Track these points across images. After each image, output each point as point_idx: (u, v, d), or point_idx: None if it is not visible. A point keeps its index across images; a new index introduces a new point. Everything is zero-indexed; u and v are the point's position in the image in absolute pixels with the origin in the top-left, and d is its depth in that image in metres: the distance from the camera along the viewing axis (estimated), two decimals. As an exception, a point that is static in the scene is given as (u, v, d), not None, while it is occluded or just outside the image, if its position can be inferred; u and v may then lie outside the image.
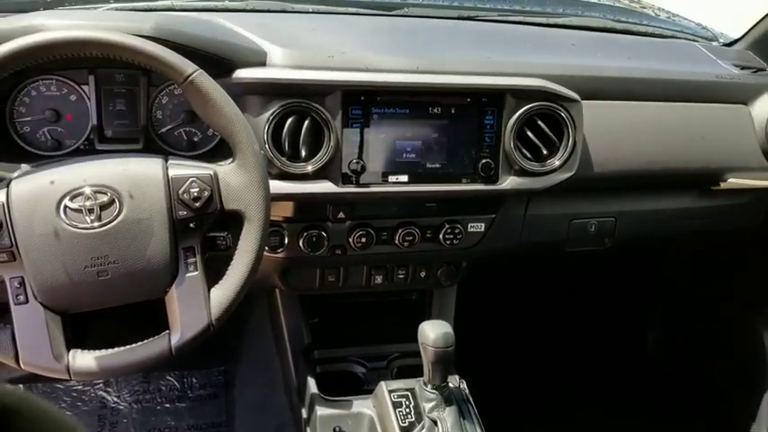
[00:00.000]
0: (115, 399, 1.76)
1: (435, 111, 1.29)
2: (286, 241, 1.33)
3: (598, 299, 2.08)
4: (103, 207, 1.00)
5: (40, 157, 1.26)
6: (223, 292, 1.06)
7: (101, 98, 1.27)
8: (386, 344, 1.55)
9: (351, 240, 1.35)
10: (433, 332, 1.22)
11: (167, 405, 1.78)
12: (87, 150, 1.29)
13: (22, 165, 1.19)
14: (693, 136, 1.48)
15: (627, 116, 1.44)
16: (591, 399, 1.99)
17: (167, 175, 1.04)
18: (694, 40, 1.76)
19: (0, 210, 0.98)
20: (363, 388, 1.50)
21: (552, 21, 1.73)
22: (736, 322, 1.80)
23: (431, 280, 1.50)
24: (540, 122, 1.32)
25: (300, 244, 1.33)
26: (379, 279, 1.46)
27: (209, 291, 1.06)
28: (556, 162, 1.33)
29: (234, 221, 1.09)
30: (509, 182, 1.33)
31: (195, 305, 1.05)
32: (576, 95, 1.33)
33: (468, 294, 1.62)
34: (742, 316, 1.78)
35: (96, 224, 0.99)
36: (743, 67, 1.57)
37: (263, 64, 1.25)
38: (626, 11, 1.98)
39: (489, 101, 1.30)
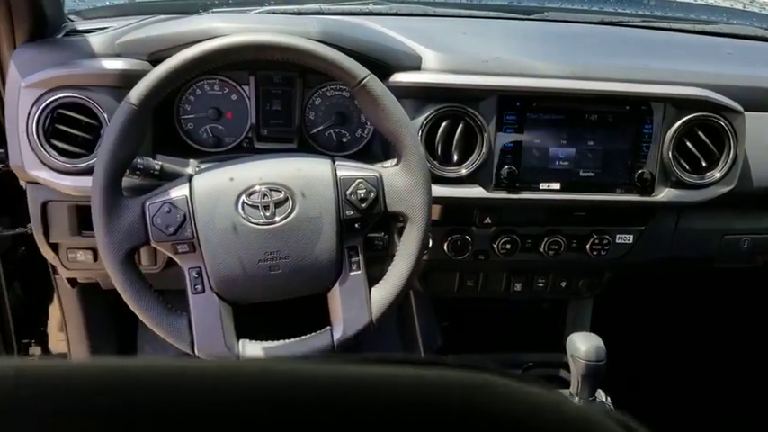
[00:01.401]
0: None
1: (592, 118, 1.26)
2: (431, 244, 1.34)
3: (745, 318, 1.98)
4: (278, 204, 1.04)
5: (201, 153, 1.32)
6: (384, 293, 1.08)
7: (259, 99, 1.32)
8: (521, 352, 1.53)
9: (495, 246, 1.35)
10: (585, 345, 1.20)
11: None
12: (246, 148, 1.34)
13: (190, 160, 1.25)
14: None
15: (790, 129, 1.37)
16: (737, 418, 1.90)
17: (336, 176, 1.06)
18: None
19: (183, 203, 1.03)
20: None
21: (699, 28, 1.66)
22: None
23: (571, 290, 1.47)
24: (700, 133, 1.27)
25: (445, 248, 1.34)
26: (518, 286, 1.45)
27: (369, 290, 1.08)
28: (716, 175, 1.28)
29: (390, 222, 1.11)
30: (665, 194, 1.29)
31: (357, 303, 1.07)
32: (739, 107, 1.28)
33: (605, 306, 1.57)
34: None
35: (271, 220, 1.03)
36: None
37: (418, 68, 1.26)
38: (775, 18, 1.87)
39: (648, 109, 1.27)
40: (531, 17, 1.66)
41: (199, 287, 1.04)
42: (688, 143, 1.28)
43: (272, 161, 1.08)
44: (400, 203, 1.07)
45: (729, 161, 1.28)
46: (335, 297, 1.07)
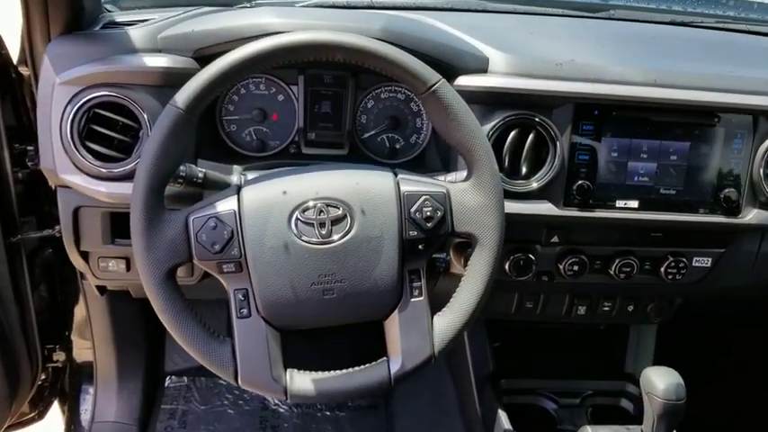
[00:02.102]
0: (276, 401, 1.73)
1: (676, 131, 1.15)
2: None
3: None
4: (335, 222, 0.93)
5: (244, 158, 1.22)
6: (448, 322, 0.97)
7: (308, 100, 1.22)
8: (578, 379, 1.42)
9: (561, 267, 1.23)
10: (663, 382, 1.08)
11: (327, 413, 1.72)
12: (293, 153, 1.24)
13: (233, 166, 1.15)
14: None
15: None
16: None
17: (399, 191, 0.96)
18: None
19: (231, 218, 0.93)
20: (557, 427, 1.37)
21: (778, 31, 1.53)
22: None
23: (638, 315, 1.36)
24: None
25: (506, 267, 1.22)
26: (582, 310, 1.34)
27: (432, 318, 0.97)
28: None
29: (450, 240, 1.00)
30: (753, 215, 1.17)
31: (418, 333, 0.96)
32: None
33: (671, 332, 1.45)
34: None
35: (326, 240, 0.93)
36: None
37: (485, 71, 1.15)
38: None
39: (738, 122, 1.14)
40: (596, 15, 1.54)
41: (245, 311, 0.94)
42: (781, 160, 1.15)
43: (329, 173, 0.97)
44: (470, 224, 0.96)
45: None
46: (394, 325, 0.96)
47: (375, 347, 1.01)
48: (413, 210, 0.95)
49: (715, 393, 1.68)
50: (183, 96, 0.91)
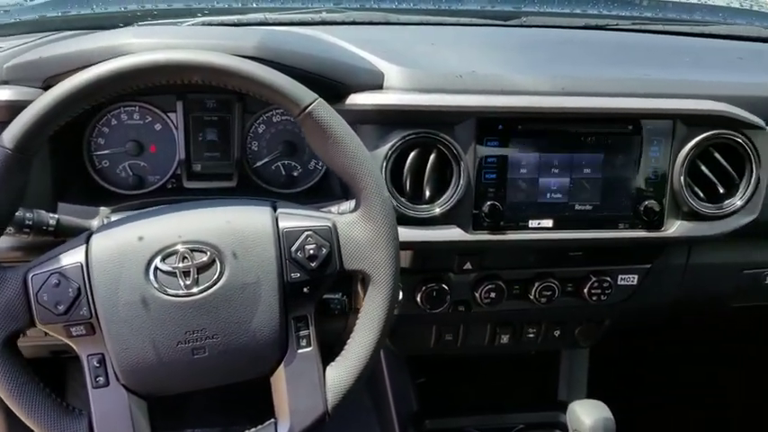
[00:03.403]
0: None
1: (588, 141, 1.06)
2: (401, 296, 1.12)
3: (761, 361, 1.79)
4: (201, 269, 0.81)
5: (120, 197, 1.09)
6: (342, 373, 0.86)
7: (189, 128, 1.10)
8: (508, 412, 1.31)
9: (477, 295, 1.14)
10: (590, 417, 1.00)
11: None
12: (174, 189, 1.11)
13: (101, 207, 1.02)
14: None
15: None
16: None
17: (278, 229, 0.84)
18: None
19: (77, 272, 0.80)
20: (488, 469, 1.27)
21: (698, 30, 1.48)
22: None
23: (565, 340, 1.27)
24: (717, 155, 1.08)
25: (418, 299, 1.12)
26: (505, 339, 1.24)
27: (324, 370, 0.86)
28: (737, 202, 1.09)
29: (349, 279, 0.89)
30: (677, 227, 1.09)
31: (308, 389, 0.85)
32: (761, 122, 1.08)
33: (604, 354, 1.37)
34: None
35: (193, 290, 0.81)
36: None
37: (379, 87, 1.04)
38: (774, 17, 1.69)
39: (655, 129, 1.07)
40: (508, 23, 1.45)
41: (101, 379, 0.81)
42: (702, 167, 1.08)
43: (195, 212, 0.85)
44: (360, 260, 0.85)
45: (752, 186, 1.09)
46: (280, 382, 0.85)
47: (267, 404, 0.89)
48: (294, 248, 0.84)
49: (654, 413, 1.62)
50: (10, 133, 0.78)
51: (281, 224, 0.84)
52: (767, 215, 1.13)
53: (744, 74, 1.21)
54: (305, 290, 0.84)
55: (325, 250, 0.84)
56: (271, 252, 0.83)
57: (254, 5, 1.46)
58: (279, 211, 0.87)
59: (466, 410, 1.32)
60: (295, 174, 1.15)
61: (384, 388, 1.31)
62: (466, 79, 1.06)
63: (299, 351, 0.85)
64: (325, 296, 0.93)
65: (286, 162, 1.14)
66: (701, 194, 1.09)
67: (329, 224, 0.85)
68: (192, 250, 0.81)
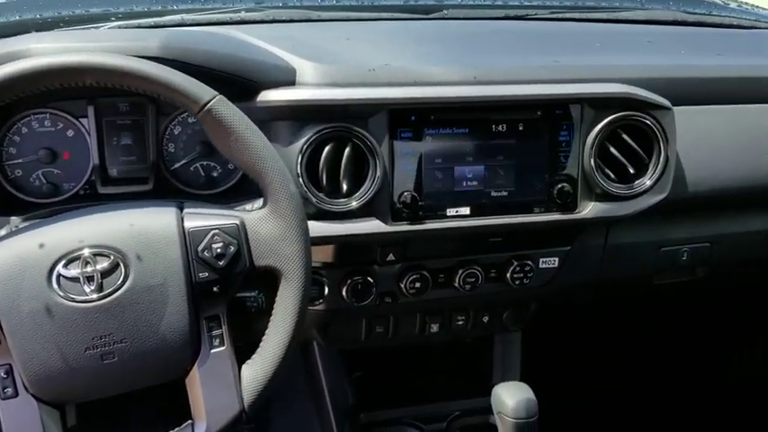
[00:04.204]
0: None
1: (500, 128, 1.08)
2: (326, 291, 1.13)
3: (687, 337, 1.84)
4: (105, 274, 0.80)
5: (34, 206, 1.07)
6: (258, 370, 0.86)
7: (102, 132, 1.08)
8: (443, 401, 1.33)
9: (403, 286, 1.14)
10: (512, 399, 1.01)
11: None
12: (89, 195, 1.09)
13: (12, 218, 1.00)
14: (800, 142, 1.25)
15: (722, 123, 1.22)
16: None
17: (183, 229, 0.84)
18: (777, 29, 1.53)
19: None
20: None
21: (613, 16, 1.51)
22: None
23: (495, 325, 1.28)
24: (624, 136, 1.11)
25: (344, 293, 1.12)
26: (435, 328, 1.25)
27: (239, 368, 0.86)
28: (646, 182, 1.12)
29: (266, 277, 0.89)
30: (590, 209, 1.11)
31: (223, 388, 0.84)
32: (666, 102, 1.12)
33: (536, 334, 1.39)
34: None
35: (97, 295, 0.80)
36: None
37: (292, 83, 1.04)
38: (691, 1, 1.74)
39: (564, 113, 1.09)
40: (429, 16, 1.47)
41: (9, 390, 0.80)
42: (612, 148, 1.11)
43: (97, 216, 0.84)
44: (270, 256, 0.86)
45: (660, 165, 1.12)
46: (195, 383, 0.84)
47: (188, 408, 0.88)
48: (200, 248, 0.83)
49: (583, 393, 1.66)
50: None
51: (187, 224, 0.84)
52: (677, 193, 1.17)
53: (651, 56, 1.24)
54: (215, 289, 0.84)
55: (233, 248, 0.84)
56: (176, 252, 0.82)
57: (175, 7, 1.45)
58: (185, 211, 0.86)
59: (402, 402, 1.33)
60: (214, 174, 1.14)
61: (320, 384, 1.31)
62: (378, 72, 1.06)
63: (213, 351, 0.85)
64: (241, 294, 0.93)
65: (204, 163, 1.14)
66: (613, 176, 1.12)
67: (237, 222, 0.85)
68: (95, 255, 0.80)
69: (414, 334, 1.25)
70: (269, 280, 0.89)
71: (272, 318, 0.87)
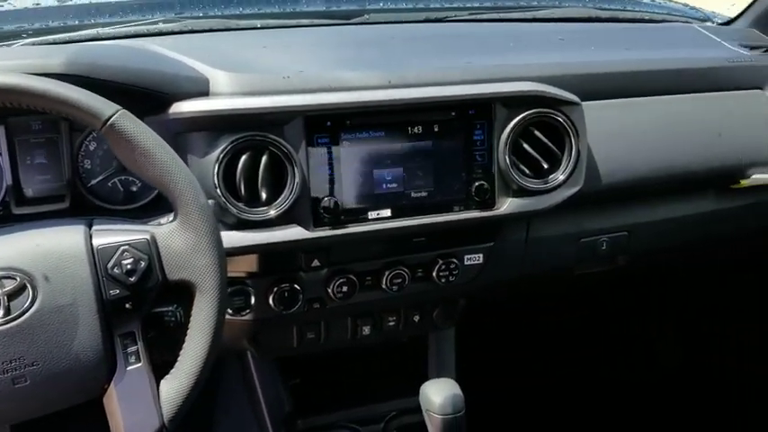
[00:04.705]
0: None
1: (416, 130, 1.09)
2: (253, 301, 1.12)
3: (613, 323, 1.89)
4: (12, 296, 0.79)
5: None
6: (176, 385, 0.85)
7: (15, 152, 1.06)
8: (379, 402, 1.34)
9: (330, 291, 1.15)
10: (439, 396, 1.03)
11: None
12: (2, 217, 1.07)
13: None
14: (709, 130, 1.30)
15: (633, 115, 1.27)
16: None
17: (91, 246, 0.83)
18: (688, 22, 1.59)
19: None
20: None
21: (530, 15, 1.55)
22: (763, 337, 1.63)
23: (426, 324, 1.30)
24: (537, 132, 1.14)
25: (271, 302, 1.12)
26: (366, 330, 1.26)
27: (158, 384, 0.85)
28: (560, 176, 1.15)
29: (182, 291, 0.89)
30: (508, 205, 1.14)
31: (141, 405, 0.84)
32: (575, 97, 1.15)
33: (470, 332, 1.42)
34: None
35: (4, 319, 0.78)
36: (752, 47, 1.40)
37: (206, 93, 1.04)
38: (606, -3, 1.80)
39: (477, 113, 1.11)
40: (350, 21, 1.48)
41: None
42: (525, 145, 1.14)
43: (2, 239, 0.82)
44: (183, 269, 0.85)
45: (573, 159, 1.15)
46: (112, 402, 0.83)
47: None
48: (110, 265, 0.82)
49: (515, 381, 1.69)
50: None
51: (96, 241, 0.83)
52: (592, 185, 1.20)
53: (562, 54, 1.28)
54: (127, 306, 0.83)
55: (143, 263, 0.83)
56: (85, 271, 0.81)
57: (91, 21, 1.43)
58: (94, 228, 0.85)
59: (339, 405, 1.34)
60: (133, 189, 1.13)
61: (256, 393, 1.31)
62: (293, 79, 1.07)
63: (129, 368, 0.84)
64: (158, 309, 0.92)
65: (122, 178, 1.12)
66: (528, 171, 1.15)
67: (147, 236, 0.85)
68: (1, 278, 0.79)
69: (346, 338, 1.26)
70: (186, 293, 0.88)
71: (188, 331, 0.86)
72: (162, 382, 0.85)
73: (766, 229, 1.47)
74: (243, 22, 1.40)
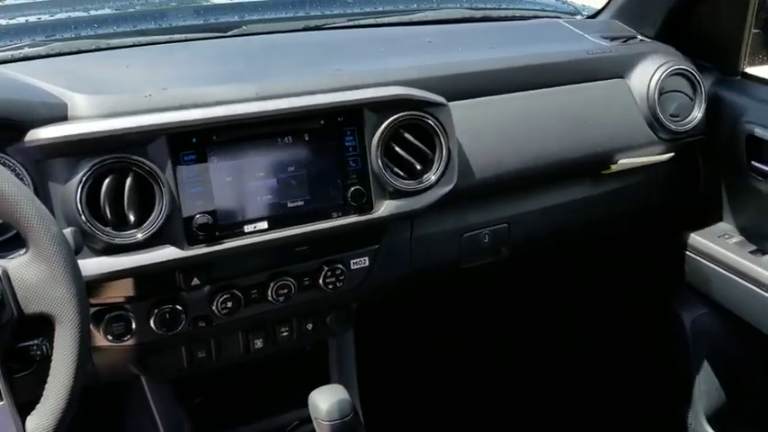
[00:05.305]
0: None
1: (286, 140, 1.10)
2: (134, 325, 1.10)
3: (509, 314, 1.94)
4: None
5: None
6: (42, 420, 0.82)
7: None
8: (280, 413, 1.33)
9: (214, 308, 1.14)
10: (326, 402, 1.03)
11: None
12: None
13: None
14: (574, 120, 1.36)
15: (500, 112, 1.31)
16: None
17: None
18: (557, 17, 1.66)
19: None
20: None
21: (407, 18, 1.58)
22: (654, 311, 1.71)
23: (321, 331, 1.30)
24: (407, 135, 1.16)
25: (152, 325, 1.10)
26: (259, 343, 1.25)
27: (23, 421, 0.82)
28: (432, 176, 1.18)
29: (43, 323, 0.86)
30: (385, 207, 1.16)
31: None
32: (441, 99, 1.18)
33: (370, 334, 1.43)
34: (659, 303, 1.69)
35: None
36: (612, 38, 1.47)
37: (64, 118, 1.02)
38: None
39: (346, 119, 1.13)
40: (227, 34, 1.47)
41: None
42: (397, 148, 1.16)
43: None
44: (39, 302, 0.83)
45: (444, 159, 1.18)
46: None
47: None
48: None
49: (419, 380, 1.72)
50: None
51: None
52: (465, 182, 1.24)
53: (425, 56, 1.31)
54: None
55: None
56: None
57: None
58: None
59: (241, 420, 1.33)
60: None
61: (153, 417, 1.28)
62: (155, 98, 1.05)
63: None
64: (23, 344, 0.89)
65: None
66: (402, 173, 1.17)
67: None
68: None
69: (239, 353, 1.25)
70: (49, 326, 0.86)
71: (52, 364, 0.84)
72: (27, 419, 0.83)
73: (633, 211, 1.55)
74: (114, 41, 1.37)
